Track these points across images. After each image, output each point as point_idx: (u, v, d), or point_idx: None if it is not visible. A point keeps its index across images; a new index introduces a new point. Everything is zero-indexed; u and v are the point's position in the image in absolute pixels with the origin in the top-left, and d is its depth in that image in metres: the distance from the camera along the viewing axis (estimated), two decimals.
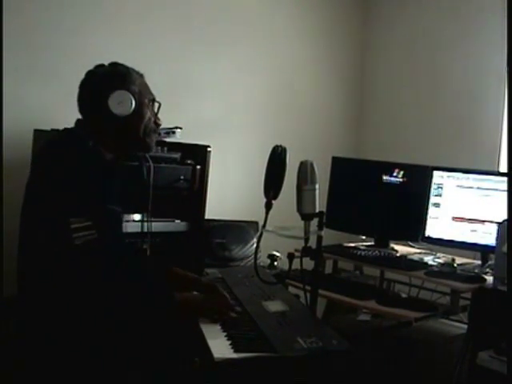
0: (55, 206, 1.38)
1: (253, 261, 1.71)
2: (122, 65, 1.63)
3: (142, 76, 1.65)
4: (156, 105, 1.65)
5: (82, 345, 1.35)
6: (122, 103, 1.53)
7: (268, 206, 1.55)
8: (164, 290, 1.49)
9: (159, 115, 1.68)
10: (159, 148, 2.38)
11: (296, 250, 1.64)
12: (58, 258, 1.36)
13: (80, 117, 1.62)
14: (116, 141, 1.57)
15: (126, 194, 1.68)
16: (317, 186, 1.58)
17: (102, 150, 1.56)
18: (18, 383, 1.39)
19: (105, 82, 1.56)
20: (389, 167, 2.64)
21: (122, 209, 1.68)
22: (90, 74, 1.60)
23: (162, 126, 2.42)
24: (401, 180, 2.60)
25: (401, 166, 2.62)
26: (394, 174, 2.62)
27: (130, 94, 1.54)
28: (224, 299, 1.56)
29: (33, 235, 1.44)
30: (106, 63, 1.64)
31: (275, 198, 1.55)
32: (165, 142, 2.45)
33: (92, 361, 1.35)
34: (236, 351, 1.27)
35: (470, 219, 2.47)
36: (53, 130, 2.23)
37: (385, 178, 2.64)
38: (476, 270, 2.31)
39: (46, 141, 1.59)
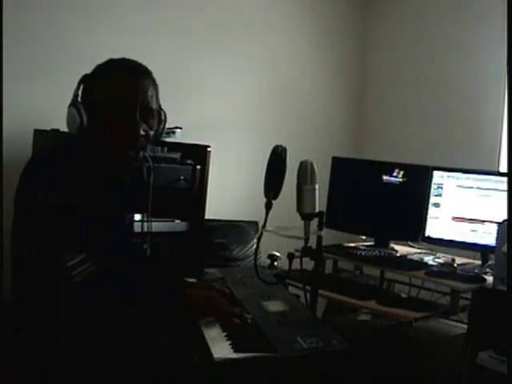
0: (45, 243, 1.33)
1: (253, 261, 1.71)
2: (103, 67, 1.50)
3: (130, 78, 1.47)
4: (148, 116, 1.50)
5: (81, 346, 1.35)
6: (71, 121, 1.46)
7: (268, 206, 1.55)
8: (171, 294, 1.49)
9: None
10: (159, 148, 2.39)
11: (296, 250, 1.64)
12: (61, 297, 1.32)
13: None
14: (91, 156, 1.49)
15: (126, 194, 1.68)
16: (317, 186, 1.58)
17: (105, 158, 1.50)
18: None
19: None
20: (389, 167, 2.64)
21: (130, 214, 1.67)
22: None
23: None
24: (401, 180, 2.60)
25: (401, 166, 2.62)
26: (394, 174, 2.62)
27: (75, 111, 1.44)
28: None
29: (26, 268, 1.39)
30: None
31: (275, 197, 1.55)
32: (165, 141, 2.45)
33: (91, 361, 1.35)
34: (236, 351, 1.27)
35: (470, 219, 2.47)
36: (53, 129, 2.23)
37: (385, 178, 2.64)
38: (476, 270, 2.31)
39: (33, 156, 1.53)
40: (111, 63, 1.51)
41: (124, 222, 1.66)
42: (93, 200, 1.43)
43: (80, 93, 1.49)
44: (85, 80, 1.50)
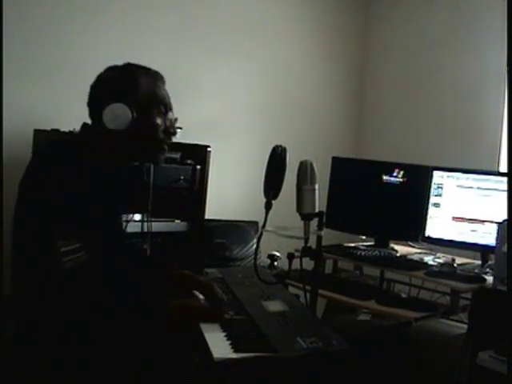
0: (42, 228, 1.33)
1: (253, 261, 1.71)
2: (133, 69, 1.54)
3: (157, 81, 1.56)
4: (170, 114, 1.57)
5: (78, 347, 1.34)
6: (116, 117, 1.44)
7: (268, 206, 1.55)
8: (157, 302, 1.47)
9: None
10: None
11: (296, 250, 1.64)
12: (48, 282, 1.32)
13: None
14: (119, 150, 1.51)
15: (126, 194, 1.68)
16: (317, 186, 1.58)
17: (104, 158, 1.50)
18: None
19: (104, 91, 1.49)
20: (389, 167, 2.64)
21: (127, 216, 1.66)
22: (97, 78, 1.53)
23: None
24: (401, 180, 2.60)
25: (401, 166, 2.62)
26: (394, 174, 2.62)
27: (126, 107, 1.44)
28: (219, 302, 1.56)
29: (21, 257, 1.40)
30: (112, 63, 1.55)
31: (275, 197, 1.55)
32: None
33: (90, 361, 1.34)
34: (236, 351, 1.27)
35: (470, 219, 2.47)
36: (53, 129, 2.23)
37: (385, 178, 2.64)
38: (476, 270, 2.31)
39: (38, 150, 1.54)
40: (135, 66, 1.55)
41: (121, 220, 1.66)
42: (94, 195, 1.43)
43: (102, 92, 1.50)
44: (111, 80, 1.51)
